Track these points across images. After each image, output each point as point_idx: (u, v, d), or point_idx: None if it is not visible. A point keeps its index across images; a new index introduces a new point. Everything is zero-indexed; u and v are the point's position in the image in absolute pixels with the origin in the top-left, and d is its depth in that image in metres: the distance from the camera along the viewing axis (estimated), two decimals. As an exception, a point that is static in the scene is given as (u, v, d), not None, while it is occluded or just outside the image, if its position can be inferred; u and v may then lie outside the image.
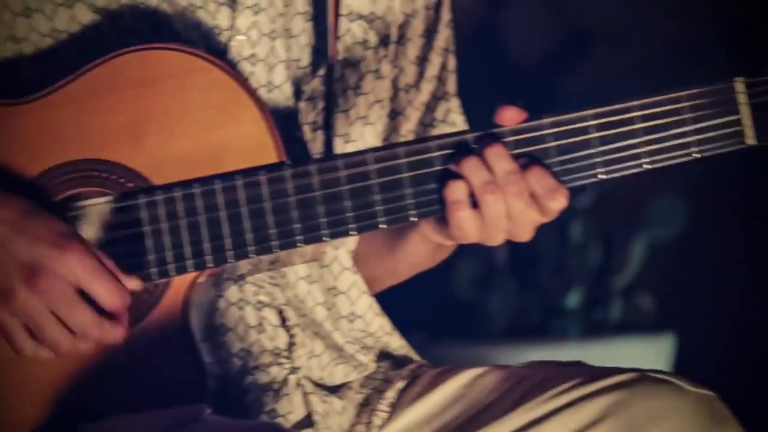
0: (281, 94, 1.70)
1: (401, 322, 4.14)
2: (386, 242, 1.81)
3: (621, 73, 4.38)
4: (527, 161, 1.58)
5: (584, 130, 1.58)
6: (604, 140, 1.58)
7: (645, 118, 1.57)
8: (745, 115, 1.55)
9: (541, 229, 4.20)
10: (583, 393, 1.62)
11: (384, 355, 1.81)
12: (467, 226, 1.58)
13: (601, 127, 1.58)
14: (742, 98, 1.55)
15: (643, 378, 1.62)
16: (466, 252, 3.95)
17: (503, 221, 1.58)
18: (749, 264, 4.39)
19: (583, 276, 3.90)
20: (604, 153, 1.58)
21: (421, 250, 1.77)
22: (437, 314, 3.88)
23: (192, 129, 1.61)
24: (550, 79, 4.30)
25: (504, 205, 1.57)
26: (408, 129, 1.83)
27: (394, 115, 1.81)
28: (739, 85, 1.55)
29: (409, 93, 1.82)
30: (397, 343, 1.83)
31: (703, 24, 4.37)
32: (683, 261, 4.31)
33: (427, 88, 1.83)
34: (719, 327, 4.33)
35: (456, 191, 1.58)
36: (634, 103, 1.58)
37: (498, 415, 1.65)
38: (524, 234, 1.60)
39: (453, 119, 1.85)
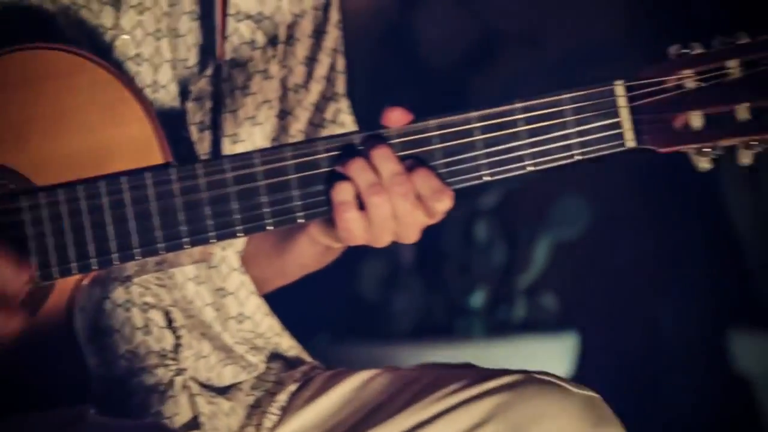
0: (167, 94, 1.69)
1: (305, 323, 4.14)
2: (275, 244, 1.81)
3: (533, 72, 4.42)
4: (413, 163, 1.59)
5: (469, 132, 1.60)
6: (488, 142, 1.59)
7: (528, 121, 1.59)
8: (625, 117, 1.57)
9: (447, 229, 4.23)
10: (470, 394, 1.63)
11: (275, 356, 1.81)
12: (354, 228, 1.59)
13: (485, 129, 1.59)
14: (621, 101, 1.56)
15: (528, 379, 1.64)
16: (372, 252, 3.97)
17: (389, 222, 1.59)
18: (651, 263, 4.45)
19: (487, 276, 3.92)
20: (488, 155, 1.59)
21: (309, 252, 1.78)
22: (342, 314, 3.89)
23: (77, 130, 1.59)
24: (463, 80, 4.32)
25: (390, 206, 1.58)
26: (297, 129, 1.83)
27: (284, 115, 1.81)
28: (619, 89, 1.56)
29: (298, 93, 1.82)
30: (288, 344, 1.83)
31: (613, 24, 4.43)
32: (586, 260, 4.36)
33: (316, 89, 1.83)
34: (621, 326, 4.38)
35: (342, 193, 1.58)
36: (517, 105, 1.59)
37: (387, 417, 1.66)
38: (410, 235, 1.61)
39: (342, 120, 1.85)
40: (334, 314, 3.87)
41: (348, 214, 1.58)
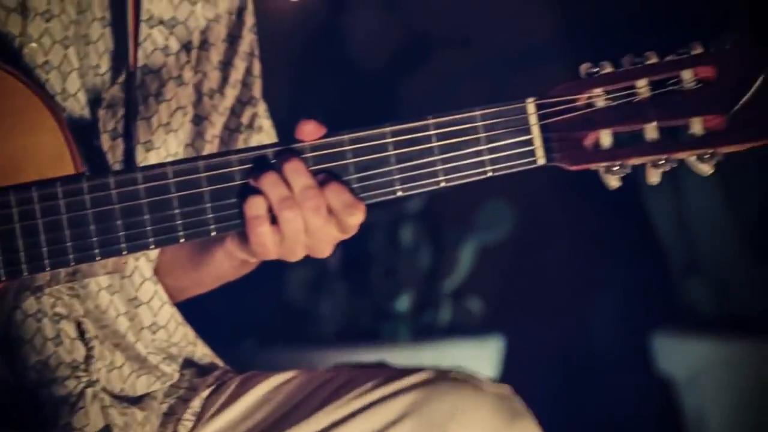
0: (77, 103, 1.68)
1: (232, 329, 4.13)
2: (191, 256, 1.81)
3: (462, 76, 4.43)
4: (325, 177, 1.59)
5: (382, 147, 1.60)
6: (401, 157, 1.60)
7: (440, 137, 1.59)
8: (536, 135, 1.58)
9: (373, 233, 4.22)
10: (384, 393, 1.65)
11: (189, 364, 1.81)
12: (267, 242, 1.59)
13: (398, 145, 1.60)
14: (532, 119, 1.57)
15: (442, 377, 1.65)
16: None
17: (302, 237, 1.59)
18: (576, 266, 4.49)
19: (413, 279, 3.93)
20: (401, 170, 1.60)
21: (225, 265, 1.77)
22: (269, 320, 3.88)
23: (-14, 139, 1.58)
24: (393, 83, 4.33)
25: (302, 220, 1.58)
26: (213, 134, 1.82)
27: (199, 120, 1.80)
28: (530, 106, 1.57)
29: (214, 98, 1.81)
30: (202, 352, 1.83)
31: (542, 27, 4.45)
32: (512, 264, 4.38)
33: (231, 93, 1.82)
34: (546, 328, 4.41)
35: (255, 207, 1.58)
36: (431, 121, 1.59)
37: (303, 418, 1.66)
38: (323, 250, 1.61)
39: (260, 124, 1.85)
40: (261, 320, 3.86)
41: (260, 228, 1.58)
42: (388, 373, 1.67)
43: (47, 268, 1.58)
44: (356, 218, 1.59)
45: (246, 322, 3.81)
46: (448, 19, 4.44)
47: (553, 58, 4.25)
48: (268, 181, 1.57)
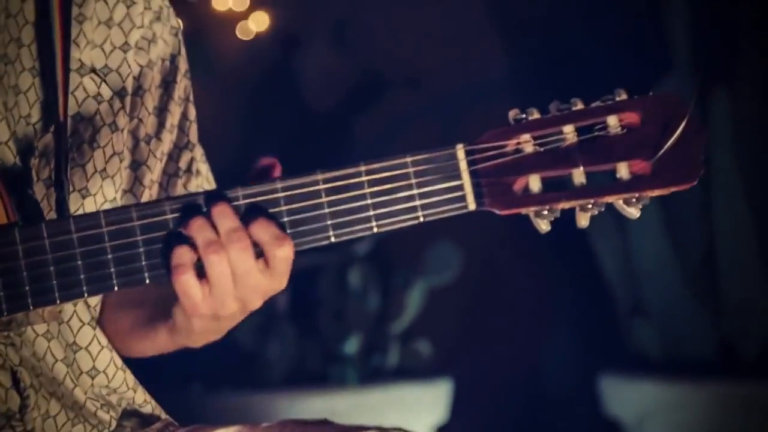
0: (8, 151, 1.68)
1: (177, 373, 4.10)
2: (134, 327, 1.79)
3: (414, 114, 4.46)
4: (253, 214, 1.59)
5: (315, 194, 1.61)
6: (332, 203, 1.61)
7: (372, 182, 1.61)
8: (466, 180, 1.60)
9: (321, 276, 4.20)
10: None
11: (129, 413, 1.80)
12: (192, 293, 1.57)
13: (330, 191, 1.61)
14: (462, 164, 1.59)
15: None
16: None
17: (229, 284, 1.57)
18: (525, 309, 4.51)
19: (361, 322, 3.94)
20: (333, 215, 1.61)
21: (167, 344, 1.74)
22: (216, 363, 3.87)
23: None
24: (345, 122, 4.35)
25: (228, 263, 1.57)
26: (151, 179, 1.82)
27: (136, 166, 1.81)
28: (460, 152, 1.59)
29: (150, 144, 1.81)
30: (142, 398, 1.82)
31: (495, 64, 4.49)
32: (460, 306, 4.40)
33: (168, 138, 1.83)
34: (495, 371, 4.42)
35: (179, 255, 1.57)
36: (362, 167, 1.61)
37: None
38: (254, 300, 1.60)
39: (197, 168, 1.86)
40: (207, 363, 3.85)
41: (184, 276, 1.56)
42: (332, 430, 1.67)
43: (-21, 318, 1.58)
44: (284, 251, 1.58)
45: (192, 366, 3.80)
46: (397, 59, 4.48)
47: (499, 98, 4.29)
48: (196, 226, 1.57)
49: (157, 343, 1.75)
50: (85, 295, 1.60)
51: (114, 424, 1.77)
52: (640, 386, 4.04)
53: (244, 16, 4.43)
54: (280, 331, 3.88)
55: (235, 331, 4.05)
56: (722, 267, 4.07)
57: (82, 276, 1.59)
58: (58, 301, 1.59)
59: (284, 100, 4.40)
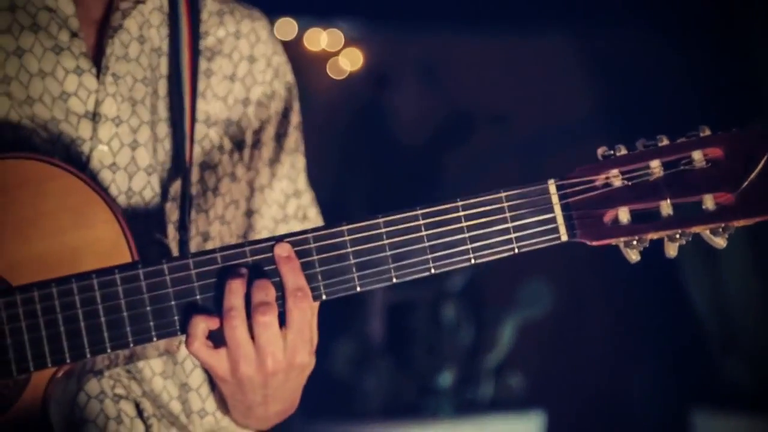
0: (141, 199, 1.79)
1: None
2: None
3: (504, 150, 4.51)
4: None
5: (416, 229, 1.69)
6: (431, 237, 1.69)
7: (468, 217, 1.69)
8: (558, 213, 1.67)
9: (415, 310, 4.26)
10: None
11: None
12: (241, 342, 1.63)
13: (428, 226, 1.69)
14: (554, 198, 1.67)
15: None
16: (343, 331, 4.02)
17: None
18: (616, 343, 4.52)
19: (455, 356, 3.98)
20: (433, 249, 1.69)
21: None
22: (314, 394, 3.94)
23: (49, 232, 1.67)
24: (435, 157, 4.39)
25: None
26: (263, 225, 1.92)
27: (250, 213, 1.90)
28: (552, 187, 1.67)
29: (263, 192, 1.91)
30: None
31: (581, 103, 4.53)
32: (552, 341, 4.43)
33: (278, 187, 1.93)
34: (586, 404, 4.44)
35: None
36: (459, 203, 1.69)
37: None
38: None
39: (305, 213, 1.96)
40: (307, 393, 3.92)
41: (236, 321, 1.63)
42: None
43: (108, 350, 1.67)
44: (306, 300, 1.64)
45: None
46: (487, 97, 4.52)
47: (585, 137, 4.34)
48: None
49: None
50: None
51: (224, 454, 1.86)
52: (732, 420, 4.03)
53: (337, 54, 4.49)
54: (376, 363, 3.93)
55: (333, 362, 4.10)
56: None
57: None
58: (179, 333, 1.69)
59: (374, 137, 4.45)
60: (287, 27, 4.46)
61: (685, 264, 4.23)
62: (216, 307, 1.65)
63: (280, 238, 1.68)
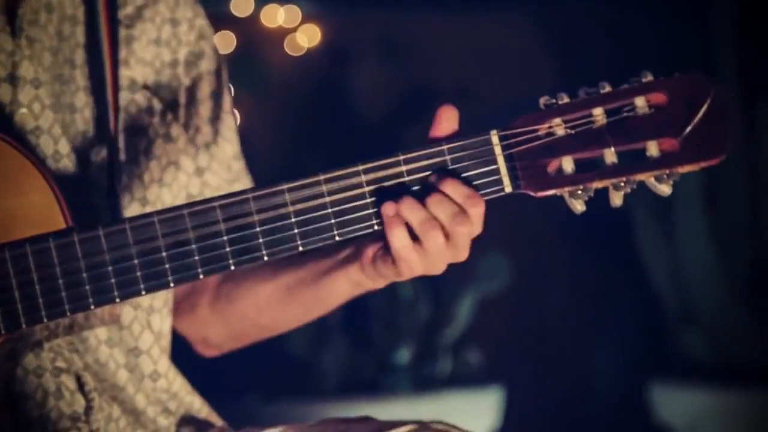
0: (69, 163, 1.76)
1: (235, 382, 4.15)
2: (308, 282, 1.86)
3: (465, 126, 4.50)
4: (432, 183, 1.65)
5: (358, 185, 1.67)
6: (373, 193, 1.66)
7: (411, 171, 1.67)
8: (501, 164, 1.65)
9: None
10: None
11: (186, 420, 1.86)
12: (413, 261, 1.65)
13: (371, 182, 1.66)
14: (497, 149, 1.65)
15: (423, 428, 1.70)
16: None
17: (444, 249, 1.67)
18: (574, 317, 4.53)
19: (412, 332, 3.97)
20: (375, 205, 1.67)
21: (342, 291, 1.83)
22: (271, 373, 3.91)
23: (-20, 200, 1.65)
24: (394, 133, 4.38)
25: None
26: (217, 183, 1.90)
27: (200, 171, 1.89)
28: (494, 138, 1.65)
29: (210, 149, 1.90)
30: (199, 404, 1.88)
31: (542, 76, 4.53)
32: (510, 315, 4.42)
33: (224, 144, 1.92)
34: (545, 379, 4.44)
35: (400, 238, 1.65)
36: (400, 157, 1.67)
37: None
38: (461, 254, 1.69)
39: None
40: (263, 373, 3.89)
41: (410, 254, 1.64)
42: (373, 426, 1.72)
43: (45, 319, 1.64)
44: (479, 209, 1.64)
45: (248, 376, 3.84)
46: (446, 71, 4.51)
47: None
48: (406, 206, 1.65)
49: (335, 293, 1.83)
50: (143, 293, 1.66)
51: (173, 430, 1.83)
52: (690, 393, 4.04)
53: (294, 31, 4.47)
54: (333, 340, 3.91)
55: (289, 341, 4.08)
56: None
57: (138, 273, 1.65)
58: (117, 300, 1.65)
59: (332, 113, 4.43)
60: (244, 3, 4.42)
61: (643, 236, 4.23)
62: None
63: (217, 199, 1.65)
